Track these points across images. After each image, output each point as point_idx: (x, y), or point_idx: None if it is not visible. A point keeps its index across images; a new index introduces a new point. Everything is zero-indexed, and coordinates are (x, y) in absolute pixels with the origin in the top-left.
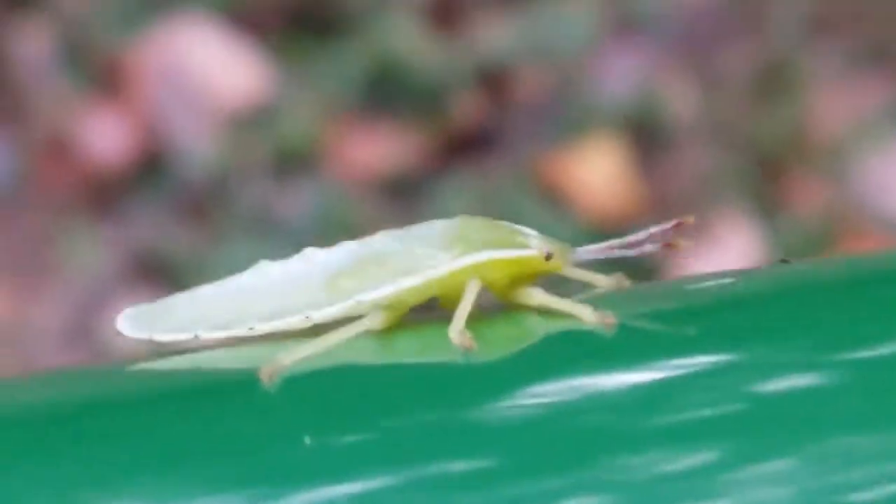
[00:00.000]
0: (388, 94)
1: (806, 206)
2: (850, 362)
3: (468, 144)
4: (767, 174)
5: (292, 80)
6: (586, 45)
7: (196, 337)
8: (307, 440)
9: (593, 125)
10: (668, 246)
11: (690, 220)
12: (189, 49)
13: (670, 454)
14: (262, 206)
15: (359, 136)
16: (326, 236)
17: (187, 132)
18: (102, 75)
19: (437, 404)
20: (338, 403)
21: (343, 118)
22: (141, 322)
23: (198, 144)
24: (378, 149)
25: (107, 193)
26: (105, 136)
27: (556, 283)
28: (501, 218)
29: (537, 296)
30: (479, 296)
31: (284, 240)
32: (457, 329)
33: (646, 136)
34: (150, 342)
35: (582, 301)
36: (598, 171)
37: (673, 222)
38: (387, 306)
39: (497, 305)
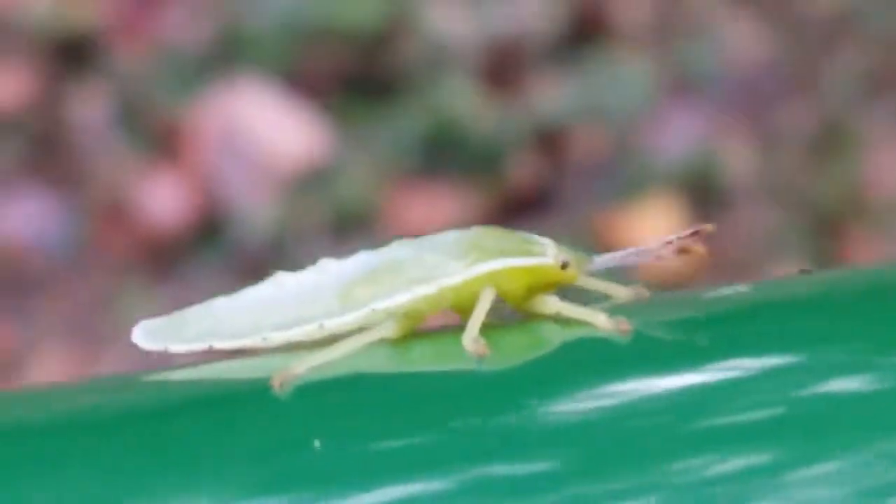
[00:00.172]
0: (444, 155)
1: (863, 263)
2: (873, 369)
3: (525, 205)
4: (825, 232)
5: (349, 141)
6: (643, 104)
7: (210, 348)
8: (316, 444)
9: (650, 184)
10: (684, 251)
11: (709, 228)
12: (246, 112)
13: (686, 463)
14: None
15: (415, 198)
16: None
17: (244, 194)
18: (160, 138)
19: (450, 412)
20: (350, 411)
21: (400, 179)
22: (156, 334)
23: (255, 206)
24: (435, 210)
25: (164, 256)
26: (163, 199)
27: (577, 297)
28: None
29: (552, 304)
30: (497, 307)
31: None
32: (470, 336)
33: (703, 194)
34: (166, 354)
35: (600, 310)
36: (655, 231)
37: (691, 230)
38: (401, 315)
39: (514, 317)
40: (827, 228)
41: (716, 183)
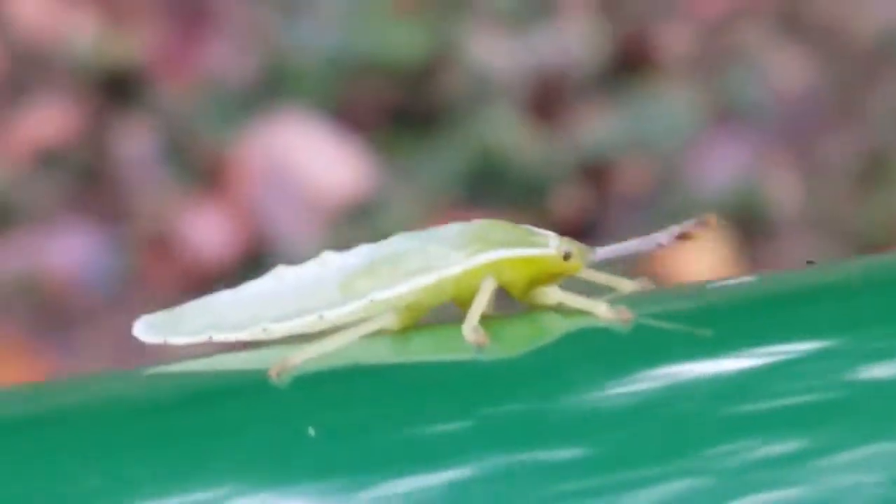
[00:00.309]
0: (489, 186)
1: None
2: (878, 358)
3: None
4: None
5: (394, 173)
6: (687, 135)
7: (210, 339)
8: (311, 431)
9: (695, 215)
10: (683, 237)
11: (712, 218)
12: (291, 144)
13: (690, 453)
14: None
15: None
16: None
17: (289, 227)
18: (205, 171)
19: (449, 402)
20: (348, 401)
21: (445, 211)
22: (157, 327)
23: (300, 239)
24: None
25: (209, 288)
26: (207, 232)
27: (583, 291)
28: None
29: (554, 295)
30: (500, 301)
31: None
32: (470, 326)
33: (748, 224)
34: (166, 347)
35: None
36: (700, 261)
37: (694, 220)
38: (402, 307)
39: (517, 309)
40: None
41: (760, 213)
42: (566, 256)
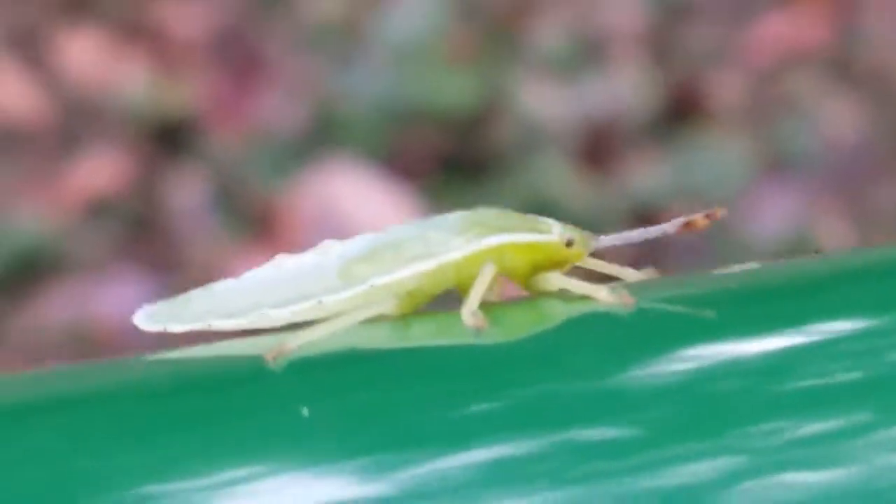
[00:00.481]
0: None
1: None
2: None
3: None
4: None
5: None
6: (738, 183)
7: (209, 327)
8: (304, 411)
9: (747, 262)
10: (688, 226)
11: (721, 211)
12: (341, 193)
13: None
14: None
15: None
16: None
17: None
18: (256, 220)
19: (446, 386)
20: (344, 385)
21: None
22: (157, 316)
23: None
24: None
25: None
26: None
27: (589, 281)
28: None
29: (555, 280)
30: (504, 289)
31: None
32: (469, 309)
33: None
34: (166, 335)
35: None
36: None
37: (703, 213)
38: (403, 293)
39: (521, 296)
40: None
41: None
42: (569, 243)
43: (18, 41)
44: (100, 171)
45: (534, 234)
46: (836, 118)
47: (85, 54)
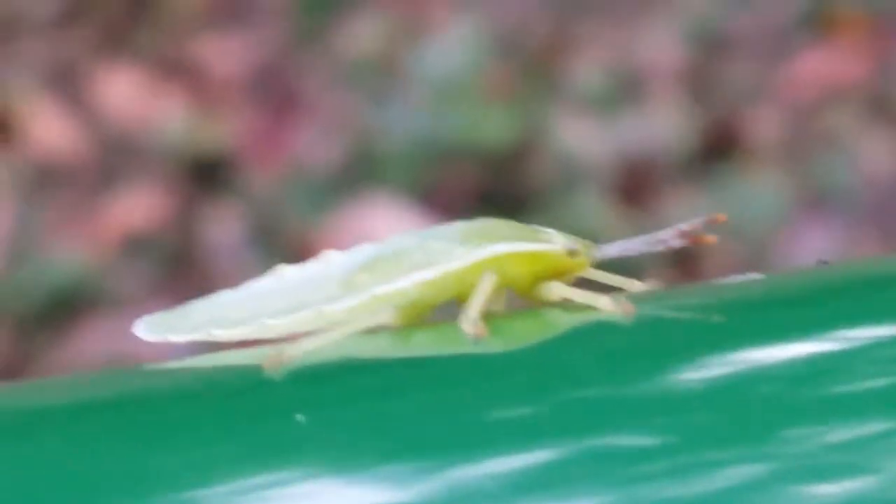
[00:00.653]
0: None
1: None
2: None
3: None
4: None
5: None
6: (776, 219)
7: (210, 336)
8: (300, 417)
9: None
10: (695, 241)
11: (722, 217)
12: (379, 229)
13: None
14: None
15: None
16: None
17: None
18: (293, 257)
19: (445, 396)
20: (342, 395)
21: None
22: (157, 326)
23: None
24: None
25: None
26: None
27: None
28: None
29: (557, 290)
30: (507, 300)
31: None
32: (469, 318)
33: None
34: (167, 344)
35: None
36: None
37: (703, 218)
38: (404, 304)
39: (524, 307)
40: None
41: None
42: (571, 253)
43: (58, 78)
44: (138, 207)
45: (535, 243)
46: (874, 154)
47: (123, 91)
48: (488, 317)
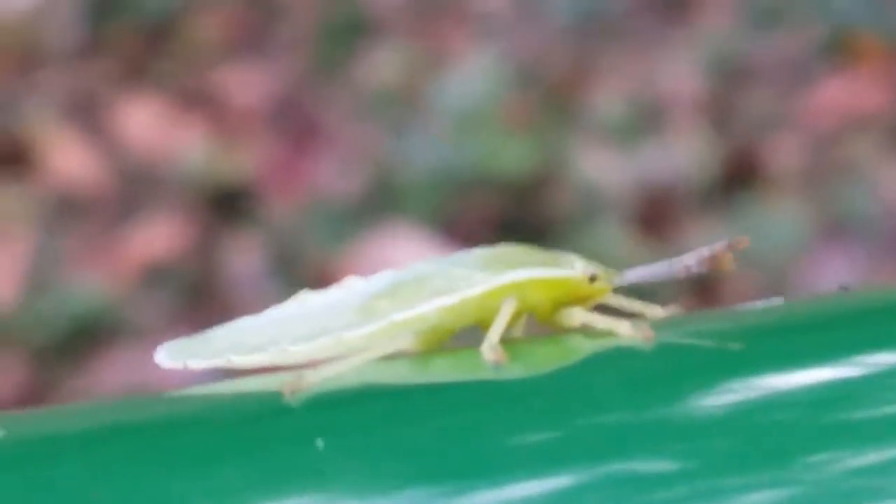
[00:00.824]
0: None
1: None
2: None
3: None
4: None
5: None
6: (796, 248)
7: (229, 362)
8: (319, 443)
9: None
10: (714, 263)
11: (744, 241)
12: (399, 259)
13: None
14: None
15: None
16: None
17: None
18: (313, 286)
19: (465, 422)
20: (362, 421)
21: None
22: (177, 352)
23: None
24: None
25: None
26: None
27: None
28: None
29: (578, 316)
30: (528, 326)
31: None
32: (489, 344)
33: None
34: (186, 371)
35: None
36: None
37: (725, 243)
38: (424, 330)
39: (544, 332)
40: None
41: None
42: (592, 279)
43: (78, 108)
44: (158, 237)
45: (556, 269)
46: (894, 182)
47: (144, 121)
48: (508, 343)
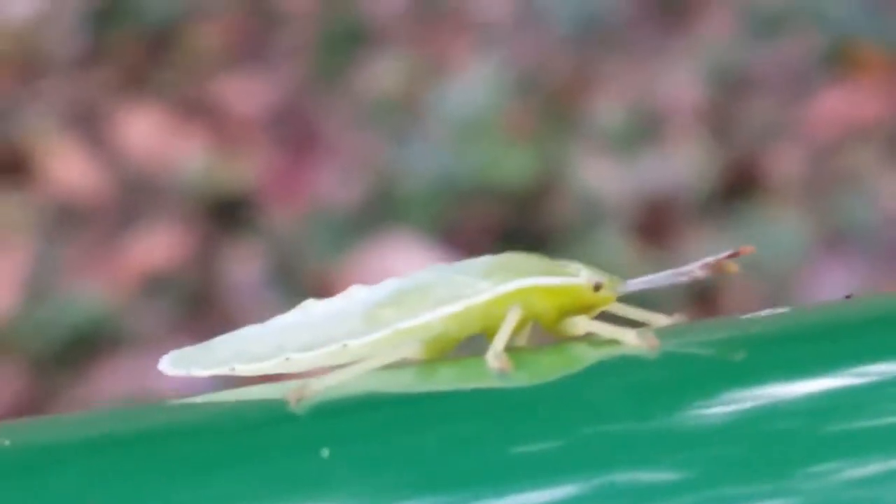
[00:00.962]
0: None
1: None
2: None
3: None
4: None
5: None
6: (797, 258)
7: (233, 370)
8: (325, 452)
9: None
10: (718, 270)
11: (749, 249)
12: (399, 268)
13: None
14: None
15: None
16: None
17: None
18: (313, 295)
19: (469, 430)
20: (366, 429)
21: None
22: (182, 360)
23: None
24: None
25: None
26: None
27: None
28: None
29: (582, 324)
30: (533, 334)
31: None
32: (494, 352)
33: None
34: (190, 379)
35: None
36: None
37: (730, 251)
38: (429, 338)
39: (549, 341)
40: None
41: None
42: (596, 287)
43: (78, 118)
44: (158, 246)
45: (561, 277)
46: (895, 192)
47: (144, 130)
48: (513, 351)
